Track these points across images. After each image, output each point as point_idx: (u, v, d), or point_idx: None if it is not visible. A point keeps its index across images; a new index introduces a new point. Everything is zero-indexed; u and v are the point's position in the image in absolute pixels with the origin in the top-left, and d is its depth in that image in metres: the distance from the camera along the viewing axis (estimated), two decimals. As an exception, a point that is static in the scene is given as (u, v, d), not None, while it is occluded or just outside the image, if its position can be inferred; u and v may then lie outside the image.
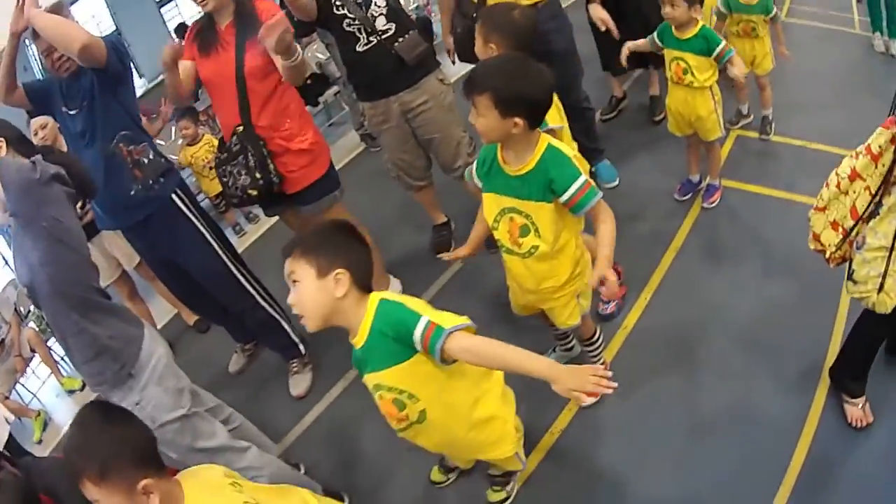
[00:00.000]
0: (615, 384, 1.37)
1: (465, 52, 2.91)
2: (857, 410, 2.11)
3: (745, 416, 2.23)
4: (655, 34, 2.91)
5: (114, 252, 3.42)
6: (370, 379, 1.59)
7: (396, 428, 1.70)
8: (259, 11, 2.46)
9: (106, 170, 2.39)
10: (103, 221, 2.69)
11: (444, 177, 3.09)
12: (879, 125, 1.76)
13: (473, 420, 1.71)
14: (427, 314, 1.47)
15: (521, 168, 1.82)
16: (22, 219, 1.73)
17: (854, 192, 1.80)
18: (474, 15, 2.77)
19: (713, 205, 3.19)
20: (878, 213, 1.76)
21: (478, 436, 1.75)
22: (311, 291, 1.48)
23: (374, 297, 1.52)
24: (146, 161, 2.46)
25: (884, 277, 1.78)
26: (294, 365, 2.90)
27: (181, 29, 7.60)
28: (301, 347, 2.87)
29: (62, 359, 4.54)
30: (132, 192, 2.44)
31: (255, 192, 2.58)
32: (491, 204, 1.94)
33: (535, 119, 1.74)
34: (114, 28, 8.57)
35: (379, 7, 2.68)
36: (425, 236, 3.42)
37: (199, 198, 3.98)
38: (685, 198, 3.27)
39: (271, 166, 2.56)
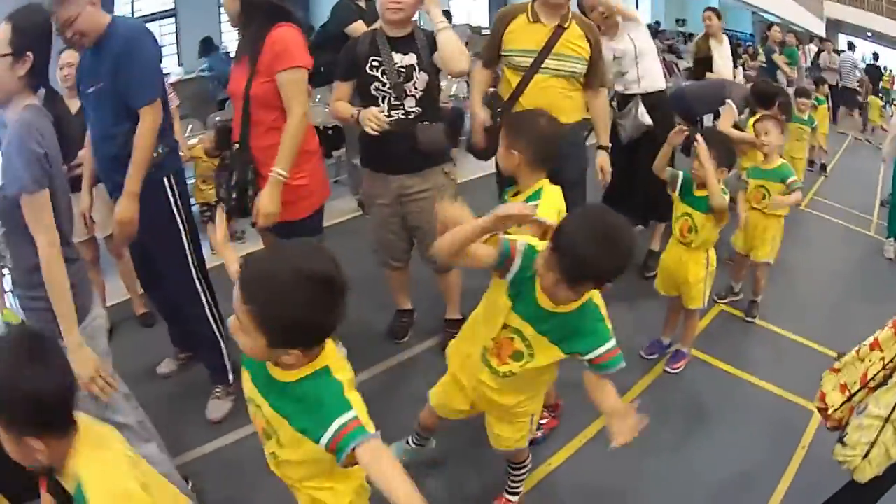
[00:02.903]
0: None
1: (480, 149, 2.93)
2: None
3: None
4: (681, 177, 2.94)
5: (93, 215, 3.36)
6: None
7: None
8: (271, 40, 2.42)
9: (107, 136, 2.41)
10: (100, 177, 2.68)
11: (419, 265, 3.08)
12: (865, 332, 1.90)
13: None
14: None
15: (556, 308, 1.69)
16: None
17: (870, 361, 1.87)
18: (499, 111, 2.80)
19: (676, 371, 3.16)
20: (887, 384, 1.83)
21: None
22: None
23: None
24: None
25: (872, 445, 1.83)
26: (218, 390, 2.83)
27: (207, 42, 7.70)
28: (230, 377, 2.80)
29: (10, 292, 4.43)
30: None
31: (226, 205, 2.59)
32: (503, 310, 1.76)
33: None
34: (173, 5, 8.64)
35: (417, 88, 2.67)
36: (386, 317, 3.38)
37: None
38: (651, 357, 3.25)
39: (249, 192, 2.55)
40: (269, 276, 1.25)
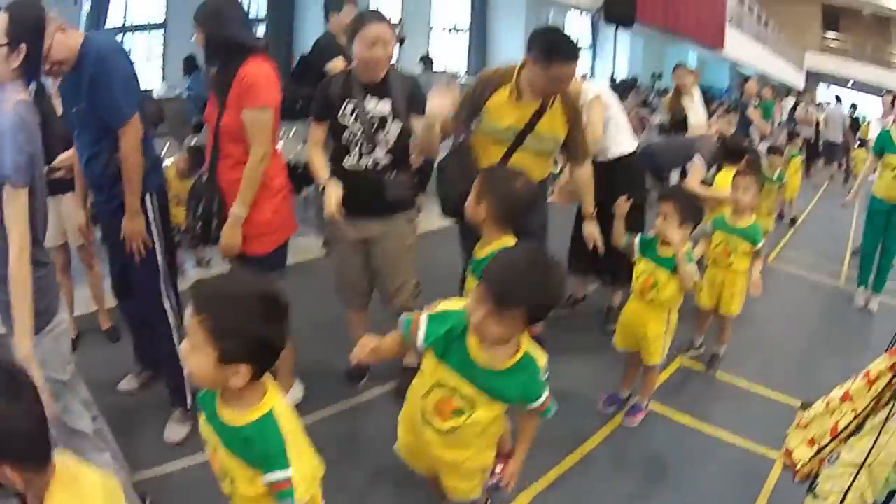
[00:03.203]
0: None
1: (451, 206, 2.82)
2: None
3: None
4: (637, 241, 2.98)
5: (68, 221, 3.31)
6: None
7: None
8: (241, 74, 2.44)
9: (92, 155, 2.45)
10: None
11: (382, 311, 3.10)
12: (833, 381, 1.92)
13: None
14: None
15: (492, 365, 1.71)
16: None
17: (840, 413, 1.87)
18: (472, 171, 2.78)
19: (633, 425, 3.17)
20: (860, 432, 1.82)
21: None
22: None
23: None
24: None
25: (846, 492, 1.80)
26: (176, 412, 2.83)
27: (190, 61, 7.61)
28: (189, 400, 2.79)
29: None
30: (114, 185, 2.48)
31: (191, 233, 2.68)
32: (432, 367, 1.79)
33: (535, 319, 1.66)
34: (163, 18, 8.39)
35: (389, 137, 2.68)
36: (345, 359, 3.33)
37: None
38: (608, 410, 3.26)
39: (214, 223, 2.59)
40: (220, 288, 1.37)
